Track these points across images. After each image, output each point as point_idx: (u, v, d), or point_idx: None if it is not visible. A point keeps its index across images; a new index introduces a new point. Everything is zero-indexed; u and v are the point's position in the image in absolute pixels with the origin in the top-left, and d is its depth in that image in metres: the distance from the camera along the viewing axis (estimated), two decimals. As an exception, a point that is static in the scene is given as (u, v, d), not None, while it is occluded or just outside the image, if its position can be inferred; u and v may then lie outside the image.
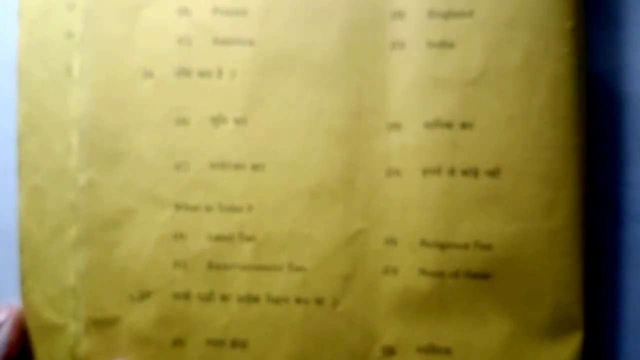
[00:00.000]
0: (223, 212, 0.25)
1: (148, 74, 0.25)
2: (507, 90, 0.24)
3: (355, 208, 0.24)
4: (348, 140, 0.24)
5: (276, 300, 0.24)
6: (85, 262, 0.25)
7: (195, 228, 0.25)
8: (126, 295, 0.24)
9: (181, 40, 0.25)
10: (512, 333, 0.24)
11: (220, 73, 0.25)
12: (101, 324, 0.24)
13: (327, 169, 0.24)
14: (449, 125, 0.24)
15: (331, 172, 0.24)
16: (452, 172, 0.24)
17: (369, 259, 0.24)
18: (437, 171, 0.24)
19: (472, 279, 0.24)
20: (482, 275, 0.24)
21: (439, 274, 0.24)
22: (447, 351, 0.24)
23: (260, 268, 0.24)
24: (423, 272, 0.24)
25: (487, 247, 0.24)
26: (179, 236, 0.25)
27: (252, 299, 0.24)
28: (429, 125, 0.24)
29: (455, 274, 0.24)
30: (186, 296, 0.25)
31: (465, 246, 0.24)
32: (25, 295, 0.25)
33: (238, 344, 0.24)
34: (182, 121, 0.25)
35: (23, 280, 0.25)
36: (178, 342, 0.24)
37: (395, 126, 0.24)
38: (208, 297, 0.24)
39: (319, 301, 0.24)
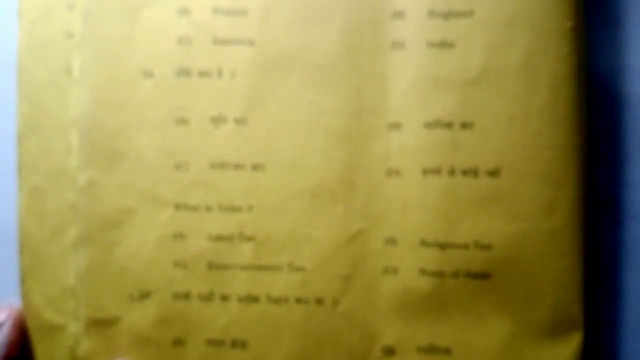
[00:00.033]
0: (223, 212, 0.25)
1: (148, 74, 0.25)
2: (507, 90, 0.24)
3: (355, 208, 0.24)
4: (348, 140, 0.24)
5: (276, 300, 0.24)
6: (85, 262, 0.25)
7: (195, 228, 0.25)
8: (126, 295, 0.24)
9: (181, 40, 0.25)
10: (512, 333, 0.24)
11: (220, 73, 0.25)
12: (101, 324, 0.24)
13: (327, 169, 0.24)
14: (449, 125, 0.24)
15: (331, 172, 0.24)
16: (452, 172, 0.24)
17: (369, 259, 0.24)
18: (437, 171, 0.24)
19: (472, 279, 0.24)
20: (482, 275, 0.24)
21: (439, 274, 0.24)
22: (447, 351, 0.24)
23: (260, 268, 0.24)
24: (423, 272, 0.24)
25: (487, 247, 0.24)
26: (179, 236, 0.25)
27: (252, 299, 0.24)
28: (429, 125, 0.24)
29: (455, 274, 0.24)
30: (186, 296, 0.25)
31: (465, 246, 0.24)
32: (25, 295, 0.25)
33: (238, 344, 0.24)
34: (182, 121, 0.25)
35: (23, 280, 0.25)
36: (178, 342, 0.24)
37: (395, 126, 0.24)
38: (208, 297, 0.24)
39: (319, 301, 0.24)
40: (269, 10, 0.25)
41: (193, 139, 0.25)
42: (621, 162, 0.25)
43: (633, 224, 0.25)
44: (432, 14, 0.24)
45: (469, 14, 0.24)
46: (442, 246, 0.24)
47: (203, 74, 0.25)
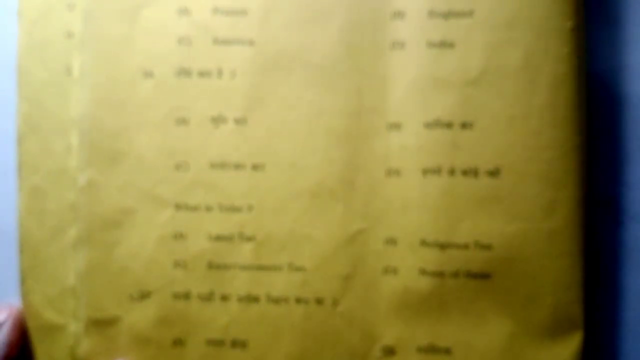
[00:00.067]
0: (223, 212, 0.25)
1: (148, 74, 0.25)
2: (507, 90, 0.24)
3: (355, 208, 0.24)
4: (348, 140, 0.24)
5: (276, 300, 0.24)
6: (85, 262, 0.25)
7: (195, 228, 0.25)
8: (126, 295, 0.25)
9: (181, 40, 0.25)
10: (512, 333, 0.24)
11: (220, 73, 0.25)
12: (101, 324, 0.24)
13: (327, 169, 0.24)
14: (449, 125, 0.24)
15: (331, 172, 0.24)
16: (452, 172, 0.24)
17: (369, 259, 0.24)
18: (437, 171, 0.24)
19: (472, 279, 0.24)
20: (482, 275, 0.24)
21: (439, 274, 0.24)
22: (447, 351, 0.24)
23: (260, 268, 0.24)
24: (423, 272, 0.24)
25: (487, 247, 0.24)
26: (179, 236, 0.25)
27: (252, 299, 0.24)
28: (429, 125, 0.24)
29: (455, 274, 0.24)
30: (186, 296, 0.25)
31: (465, 246, 0.24)
32: (25, 295, 0.25)
33: (238, 344, 0.24)
34: (182, 121, 0.25)
35: (23, 280, 0.25)
36: (178, 342, 0.24)
37: (395, 126, 0.24)
38: (208, 297, 0.24)
39: (319, 301, 0.24)
40: (269, 10, 0.25)
41: (193, 139, 0.25)
42: (621, 162, 0.25)
43: (633, 224, 0.25)
44: (432, 14, 0.24)
45: (469, 14, 0.24)
46: (442, 246, 0.24)
47: (203, 74, 0.25)
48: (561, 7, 0.24)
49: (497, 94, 0.24)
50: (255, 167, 0.25)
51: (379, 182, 0.24)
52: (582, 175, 0.24)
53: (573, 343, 0.23)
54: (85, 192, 0.25)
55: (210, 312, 0.24)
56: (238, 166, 0.25)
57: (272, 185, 0.24)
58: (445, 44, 0.24)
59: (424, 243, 0.24)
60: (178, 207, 0.25)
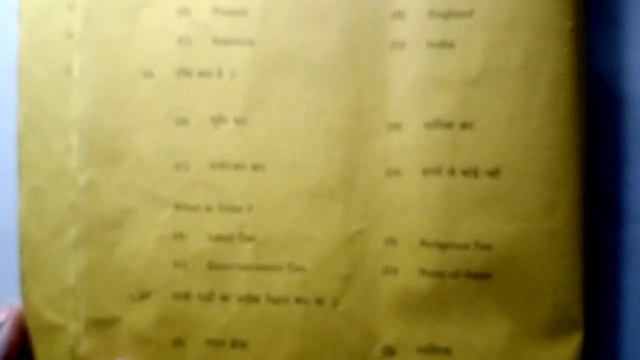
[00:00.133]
0: (223, 212, 0.25)
1: (148, 74, 0.25)
2: (507, 90, 0.24)
3: (355, 208, 0.24)
4: (348, 140, 0.24)
5: (276, 300, 0.24)
6: (85, 262, 0.25)
7: (195, 228, 0.25)
8: (126, 295, 0.25)
9: (181, 40, 0.25)
10: (512, 333, 0.24)
11: (220, 73, 0.25)
12: (101, 324, 0.24)
13: (327, 169, 0.24)
14: (449, 125, 0.24)
15: (331, 172, 0.24)
16: (452, 172, 0.24)
17: (369, 259, 0.24)
18: (437, 171, 0.24)
19: (472, 279, 0.24)
20: (482, 275, 0.24)
21: (439, 274, 0.24)
22: (447, 351, 0.24)
23: (260, 268, 0.24)
24: (423, 272, 0.24)
25: (487, 247, 0.24)
26: (179, 236, 0.25)
27: (252, 299, 0.24)
28: (429, 125, 0.24)
29: (455, 274, 0.24)
30: (186, 296, 0.25)
31: (465, 246, 0.24)
32: (25, 295, 0.25)
33: (238, 344, 0.24)
34: (182, 121, 0.25)
35: (23, 280, 0.25)
36: (178, 342, 0.24)
37: (395, 126, 0.24)
38: (208, 297, 0.24)
39: (319, 301, 0.24)
40: (269, 10, 0.25)
41: (193, 139, 0.25)
42: (621, 162, 0.25)
43: (633, 224, 0.25)
44: (432, 14, 0.24)
45: (469, 14, 0.24)
46: (442, 246, 0.24)
47: (203, 74, 0.25)
48: (561, 7, 0.24)
49: (497, 94, 0.24)
50: (255, 167, 0.25)
51: (379, 182, 0.24)
52: (582, 175, 0.24)
53: (573, 343, 0.23)
54: (85, 192, 0.25)
55: (210, 312, 0.24)
56: (238, 166, 0.25)
57: (272, 185, 0.24)
58: (445, 44, 0.24)
59: (424, 243, 0.24)
60: (178, 207, 0.25)
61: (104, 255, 0.25)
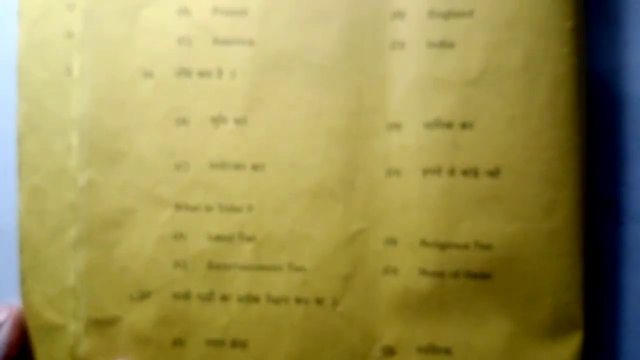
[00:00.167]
0: (223, 212, 0.25)
1: (148, 74, 0.25)
2: (507, 90, 0.24)
3: (355, 208, 0.24)
4: (348, 140, 0.24)
5: (276, 300, 0.24)
6: (85, 262, 0.25)
7: (195, 228, 0.25)
8: (126, 295, 0.25)
9: (181, 40, 0.25)
10: (512, 333, 0.24)
11: (220, 73, 0.25)
12: (101, 324, 0.24)
13: (327, 169, 0.24)
14: (449, 125, 0.24)
15: (331, 172, 0.24)
16: (452, 172, 0.24)
17: (369, 259, 0.24)
18: (437, 171, 0.24)
19: (472, 279, 0.24)
20: (482, 275, 0.24)
21: (439, 274, 0.24)
22: (447, 351, 0.24)
23: (260, 268, 0.24)
24: (423, 272, 0.24)
25: (487, 247, 0.24)
26: (179, 236, 0.25)
27: (252, 299, 0.24)
28: (429, 125, 0.24)
29: (455, 274, 0.24)
30: (186, 296, 0.25)
31: (465, 246, 0.24)
32: (25, 295, 0.25)
33: (238, 344, 0.24)
34: (182, 121, 0.25)
35: (23, 280, 0.25)
36: (178, 342, 0.24)
37: (395, 126, 0.24)
38: (208, 297, 0.24)
39: (319, 301, 0.24)
40: (269, 10, 0.25)
41: (193, 139, 0.25)
42: (621, 162, 0.25)
43: (633, 224, 0.25)
44: (432, 14, 0.24)
45: (469, 14, 0.24)
46: (442, 246, 0.24)
47: (203, 74, 0.25)
48: (561, 7, 0.24)
49: (497, 94, 0.24)
50: (255, 167, 0.25)
51: (379, 182, 0.24)
52: (582, 175, 0.24)
53: (573, 343, 0.23)
54: (85, 192, 0.25)
55: (210, 312, 0.24)
56: (238, 166, 0.25)
57: (272, 185, 0.24)
58: (445, 44, 0.24)
59: (424, 243, 0.24)
60: (178, 207, 0.25)
61: (104, 255, 0.25)
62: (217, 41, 0.25)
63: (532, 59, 0.24)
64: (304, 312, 0.24)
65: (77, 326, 0.25)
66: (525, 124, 0.24)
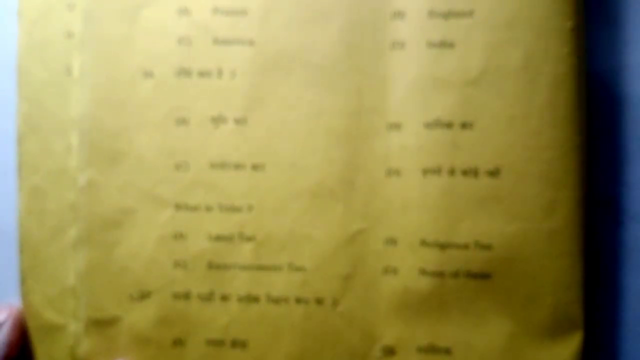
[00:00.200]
0: (223, 212, 0.25)
1: (148, 74, 0.25)
2: (507, 90, 0.24)
3: (355, 208, 0.24)
4: (348, 140, 0.24)
5: (276, 300, 0.24)
6: (85, 262, 0.25)
7: (195, 228, 0.25)
8: (126, 295, 0.25)
9: (181, 40, 0.25)
10: (512, 333, 0.24)
11: (220, 73, 0.25)
12: (101, 324, 0.24)
13: (327, 169, 0.24)
14: (449, 125, 0.24)
15: (331, 172, 0.24)
16: (452, 172, 0.24)
17: (369, 259, 0.24)
18: (437, 171, 0.24)
19: (472, 279, 0.24)
20: (482, 275, 0.24)
21: (439, 274, 0.24)
22: (447, 351, 0.24)
23: (260, 268, 0.24)
24: (423, 272, 0.24)
25: (487, 247, 0.24)
26: (179, 236, 0.25)
27: (252, 299, 0.24)
28: (429, 125, 0.24)
29: (455, 274, 0.24)
30: (186, 296, 0.25)
31: (465, 246, 0.24)
32: (25, 295, 0.25)
33: (238, 344, 0.24)
34: (182, 121, 0.25)
35: (23, 280, 0.25)
36: (178, 342, 0.24)
37: (395, 126, 0.24)
38: (208, 297, 0.24)
39: (319, 301, 0.24)
40: (269, 10, 0.25)
41: (193, 139, 0.25)
42: (621, 162, 0.25)
43: (633, 224, 0.25)
44: (432, 14, 0.24)
45: (469, 14, 0.24)
46: (442, 246, 0.24)
47: (203, 74, 0.25)
48: (561, 7, 0.24)
49: (497, 94, 0.24)
50: (255, 167, 0.25)
51: (379, 182, 0.24)
52: (582, 175, 0.24)
53: (573, 343, 0.23)
54: (85, 192, 0.25)
55: (210, 312, 0.24)
56: (238, 166, 0.25)
57: (272, 185, 0.24)
58: (445, 44, 0.24)
59: (424, 243, 0.24)
60: (178, 207, 0.25)
61: (104, 255, 0.25)
62: (217, 41, 0.25)
63: (532, 59, 0.24)
64: (304, 312, 0.24)
65: (77, 326, 0.25)
66: (525, 124, 0.24)
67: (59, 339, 0.25)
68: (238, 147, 0.25)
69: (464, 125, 0.24)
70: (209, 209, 0.25)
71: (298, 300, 0.24)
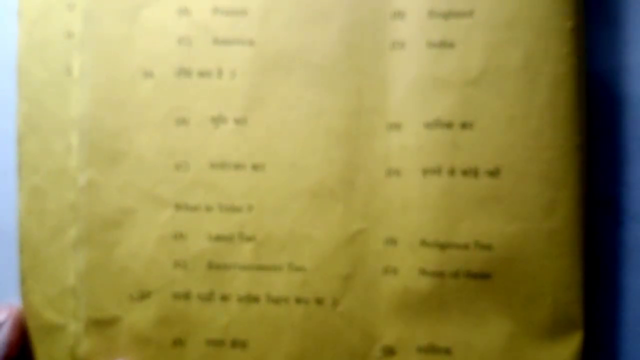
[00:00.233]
0: (223, 212, 0.25)
1: (148, 74, 0.25)
2: (507, 90, 0.24)
3: (355, 208, 0.24)
4: (348, 140, 0.24)
5: (276, 300, 0.24)
6: (85, 262, 0.25)
7: (195, 228, 0.25)
8: (126, 295, 0.25)
9: (181, 40, 0.25)
10: (512, 333, 0.24)
11: (220, 73, 0.25)
12: (101, 324, 0.24)
13: (327, 169, 0.24)
14: (449, 125, 0.24)
15: (331, 172, 0.24)
16: (452, 172, 0.24)
17: (369, 259, 0.24)
18: (437, 171, 0.24)
19: (472, 279, 0.24)
20: (482, 275, 0.24)
21: (439, 274, 0.24)
22: (447, 351, 0.24)
23: (260, 268, 0.24)
24: (423, 272, 0.24)
25: (487, 247, 0.24)
26: (179, 236, 0.25)
27: (252, 299, 0.24)
28: (429, 125, 0.24)
29: (455, 274, 0.24)
30: (186, 296, 0.25)
31: (465, 246, 0.24)
32: (25, 295, 0.25)
33: (238, 344, 0.24)
34: (182, 121, 0.25)
35: (23, 280, 0.25)
36: (178, 342, 0.24)
37: (395, 126, 0.24)
38: (208, 297, 0.24)
39: (319, 301, 0.24)
40: (269, 10, 0.25)
41: (193, 139, 0.25)
42: (621, 162, 0.25)
43: (633, 224, 0.25)
44: (432, 14, 0.24)
45: (469, 14, 0.24)
46: (442, 246, 0.24)
47: (203, 74, 0.25)
48: (561, 7, 0.24)
49: (497, 94, 0.24)
50: (255, 167, 0.25)
51: (379, 182, 0.24)
52: (582, 175, 0.24)
53: (573, 343, 0.23)
54: (85, 192, 0.25)
55: (210, 312, 0.24)
56: (238, 166, 0.25)
57: (272, 185, 0.24)
58: (445, 44, 0.24)
59: (424, 243, 0.24)
60: (178, 207, 0.25)
61: (104, 255, 0.25)
62: (217, 41, 0.25)
63: (532, 59, 0.24)
64: (304, 312, 0.24)
65: (77, 326, 0.25)
66: (525, 124, 0.24)
67: (59, 339, 0.25)
68: (238, 147, 0.25)
69: (464, 125, 0.24)
70: (209, 209, 0.25)
71: (298, 300, 0.24)
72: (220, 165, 0.25)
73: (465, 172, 0.24)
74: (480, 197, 0.24)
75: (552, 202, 0.23)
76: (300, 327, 0.24)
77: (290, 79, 0.25)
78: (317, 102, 0.24)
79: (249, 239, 0.25)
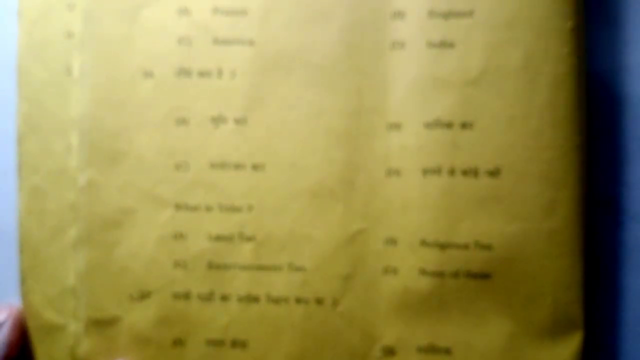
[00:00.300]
0: (223, 212, 0.25)
1: (148, 74, 0.25)
2: (507, 90, 0.24)
3: (355, 208, 0.24)
4: (348, 140, 0.24)
5: (276, 300, 0.24)
6: (85, 262, 0.25)
7: (195, 228, 0.25)
8: (126, 295, 0.25)
9: (181, 40, 0.25)
10: (512, 333, 0.24)
11: (220, 73, 0.25)
12: (101, 324, 0.24)
13: (327, 169, 0.24)
14: (449, 125, 0.24)
15: (331, 172, 0.24)
16: (452, 172, 0.24)
17: (369, 259, 0.24)
18: (437, 171, 0.24)
19: (472, 279, 0.24)
20: (482, 275, 0.24)
21: (439, 274, 0.24)
22: (447, 351, 0.24)
23: (260, 268, 0.24)
24: (423, 272, 0.24)
25: (487, 247, 0.24)
26: (179, 236, 0.25)
27: (252, 299, 0.24)
28: (429, 125, 0.24)
29: (455, 274, 0.24)
30: (186, 296, 0.25)
31: (465, 246, 0.24)
32: (25, 295, 0.25)
33: (238, 344, 0.24)
34: (182, 121, 0.25)
35: (23, 280, 0.25)
36: (178, 342, 0.24)
37: (395, 126, 0.24)
38: (208, 297, 0.24)
39: (319, 301, 0.24)
40: (269, 10, 0.25)
41: (193, 139, 0.25)
42: (621, 162, 0.25)
43: (633, 224, 0.25)
44: (432, 14, 0.24)
45: (469, 14, 0.24)
46: (442, 246, 0.24)
47: (203, 74, 0.25)
48: (561, 7, 0.24)
49: (497, 94, 0.24)
50: (255, 167, 0.25)
51: (379, 182, 0.24)
52: (582, 175, 0.24)
53: (573, 343, 0.23)
54: (85, 192, 0.25)
55: (210, 312, 0.24)
56: (238, 166, 0.25)
57: (272, 185, 0.24)
58: (445, 44, 0.24)
59: (424, 243, 0.24)
60: (178, 207, 0.25)
61: (104, 255, 0.25)
62: (217, 41, 0.25)
63: (532, 59, 0.24)
64: (304, 312, 0.24)
65: (77, 326, 0.25)
66: (525, 124, 0.24)
67: (59, 339, 0.25)
68: (238, 147, 0.25)
69: (464, 125, 0.24)
70: (209, 209, 0.25)
71: (298, 300, 0.24)
72: (220, 165, 0.25)
73: (465, 172, 0.24)
74: (480, 197, 0.24)
75: (552, 202, 0.23)
76: (300, 327, 0.24)
77: (290, 79, 0.25)
78: (317, 102, 0.24)
79: (249, 239, 0.25)
